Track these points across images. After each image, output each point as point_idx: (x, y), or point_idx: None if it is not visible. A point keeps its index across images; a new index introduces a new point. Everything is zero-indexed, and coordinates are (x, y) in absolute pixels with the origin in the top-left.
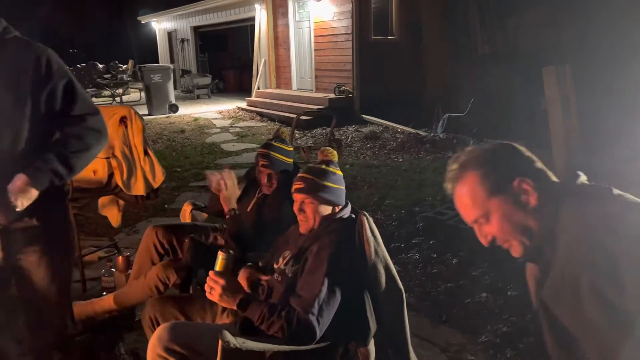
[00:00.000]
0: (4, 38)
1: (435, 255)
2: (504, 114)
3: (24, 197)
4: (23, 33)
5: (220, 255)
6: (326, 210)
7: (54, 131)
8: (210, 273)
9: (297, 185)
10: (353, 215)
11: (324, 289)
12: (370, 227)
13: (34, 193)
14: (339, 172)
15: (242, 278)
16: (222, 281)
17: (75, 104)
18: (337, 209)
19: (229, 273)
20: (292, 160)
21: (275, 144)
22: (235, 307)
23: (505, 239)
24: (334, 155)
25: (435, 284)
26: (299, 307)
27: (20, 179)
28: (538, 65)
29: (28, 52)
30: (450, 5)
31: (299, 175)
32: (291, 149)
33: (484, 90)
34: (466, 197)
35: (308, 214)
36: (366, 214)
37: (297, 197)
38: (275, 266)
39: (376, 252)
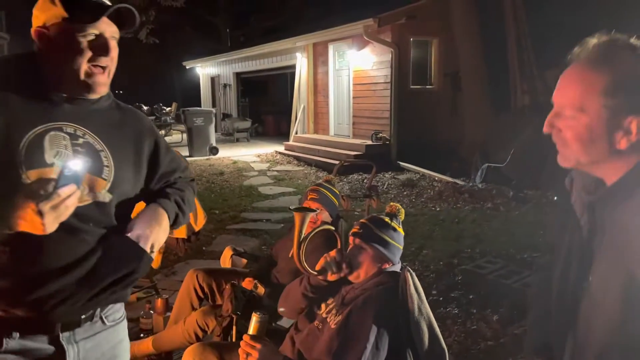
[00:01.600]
0: (118, 104)
1: (475, 311)
2: (544, 165)
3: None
4: None
5: (255, 318)
6: (377, 263)
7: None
8: (245, 337)
9: (355, 229)
10: (398, 270)
11: (369, 346)
12: (414, 283)
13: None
14: (401, 231)
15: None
16: (258, 346)
17: (174, 162)
18: (387, 265)
19: (263, 335)
20: (337, 203)
21: (325, 184)
22: None
23: (568, 142)
24: (402, 212)
25: (475, 341)
26: None
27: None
28: None
29: (141, 119)
30: (489, 56)
31: (366, 222)
32: (338, 193)
33: (523, 141)
34: (579, 84)
35: (359, 261)
36: (410, 269)
37: (358, 244)
38: (318, 312)
39: (419, 310)
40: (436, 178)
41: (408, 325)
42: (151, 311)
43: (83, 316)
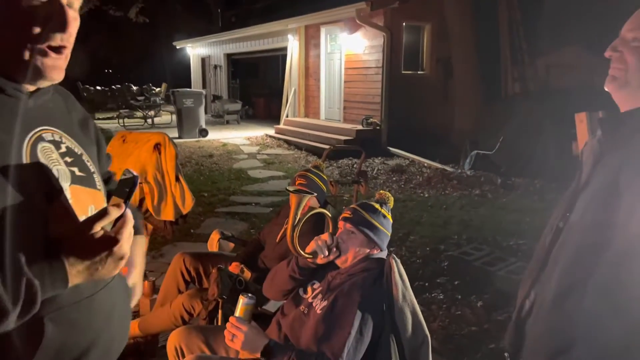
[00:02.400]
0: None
1: (460, 297)
2: (533, 153)
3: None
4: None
5: (241, 300)
6: (365, 248)
7: None
8: (232, 319)
9: (346, 214)
10: (384, 256)
11: (353, 332)
12: (398, 270)
13: None
14: (390, 218)
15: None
16: (244, 328)
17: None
18: (375, 251)
19: (250, 319)
20: (326, 188)
21: (314, 169)
22: (258, 356)
23: (627, 61)
24: (391, 200)
25: (459, 326)
26: (328, 352)
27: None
28: (569, 105)
29: (73, 99)
30: (481, 43)
31: (357, 207)
32: (326, 178)
33: (513, 128)
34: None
35: (347, 245)
36: (395, 256)
37: (348, 228)
38: (304, 296)
39: (403, 296)
40: (425, 164)
41: (392, 311)
42: None
43: None
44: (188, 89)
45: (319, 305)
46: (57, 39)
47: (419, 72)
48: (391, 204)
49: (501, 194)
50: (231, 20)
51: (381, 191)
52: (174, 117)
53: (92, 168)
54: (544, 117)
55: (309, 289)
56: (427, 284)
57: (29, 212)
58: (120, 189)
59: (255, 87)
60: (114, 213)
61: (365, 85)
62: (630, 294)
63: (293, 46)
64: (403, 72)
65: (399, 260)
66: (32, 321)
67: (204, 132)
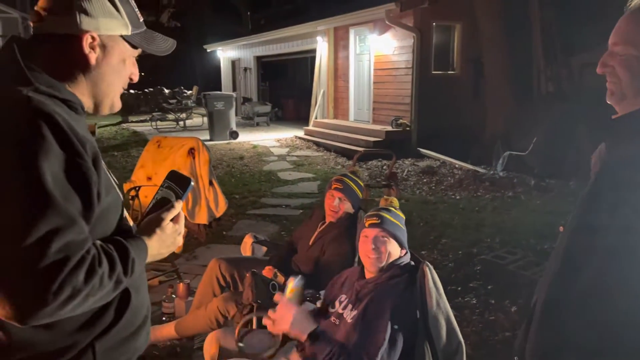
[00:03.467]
0: None
1: (493, 302)
2: (568, 154)
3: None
4: None
5: (291, 282)
6: (396, 251)
7: None
8: (281, 299)
9: (372, 220)
10: (412, 262)
11: (386, 337)
12: (432, 277)
13: None
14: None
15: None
16: (293, 309)
17: None
18: (403, 252)
19: (299, 300)
20: (362, 195)
21: (350, 174)
22: (304, 339)
23: (619, 75)
24: (396, 203)
25: (493, 332)
26: (364, 355)
27: None
28: (604, 105)
29: None
30: (513, 42)
31: (372, 212)
32: (362, 184)
33: (546, 129)
34: (632, 18)
35: (382, 251)
36: (428, 264)
37: (371, 232)
38: (331, 310)
39: (437, 304)
40: (457, 165)
41: (426, 319)
42: (173, 295)
43: None
44: (219, 92)
45: (349, 314)
46: (136, 76)
47: (449, 72)
48: (397, 205)
49: (535, 196)
50: (260, 23)
51: (385, 197)
52: (205, 119)
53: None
54: (578, 117)
55: (337, 303)
56: (459, 288)
57: (118, 204)
58: (177, 187)
59: (285, 89)
60: (178, 208)
61: (395, 86)
62: (612, 301)
63: (322, 48)
64: (433, 72)
65: (432, 268)
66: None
67: (234, 135)
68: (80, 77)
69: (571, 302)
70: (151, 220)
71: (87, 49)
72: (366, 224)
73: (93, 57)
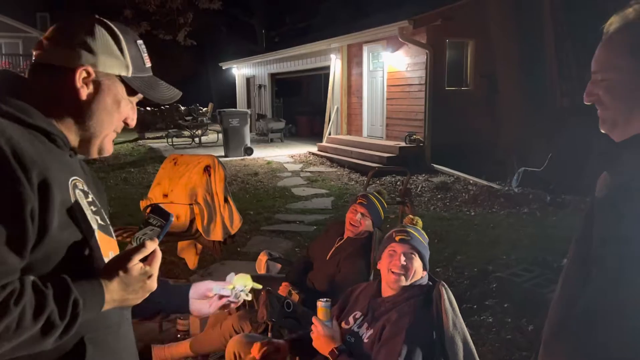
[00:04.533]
0: None
1: (509, 320)
2: (584, 169)
3: None
4: None
5: (319, 304)
6: (420, 270)
7: None
8: (313, 318)
9: (402, 235)
10: (430, 283)
11: (401, 359)
12: (448, 297)
13: None
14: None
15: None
16: (319, 326)
17: None
18: (424, 273)
19: (328, 318)
20: (383, 216)
21: (376, 194)
22: (327, 354)
23: (605, 102)
24: (420, 224)
25: (510, 351)
26: None
27: None
28: None
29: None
30: (527, 57)
31: (401, 228)
32: (386, 206)
33: (562, 144)
34: (609, 42)
35: (409, 267)
36: (444, 284)
37: (400, 248)
38: (345, 326)
39: (454, 324)
40: (471, 181)
41: (442, 339)
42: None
43: None
44: (234, 109)
45: (366, 334)
46: (132, 121)
47: (462, 88)
48: (420, 225)
49: (551, 212)
50: (275, 41)
51: (410, 217)
52: (220, 136)
53: (108, 221)
54: (593, 132)
55: (351, 319)
56: (475, 306)
57: (75, 241)
58: (154, 222)
59: (298, 105)
60: (150, 247)
61: (408, 102)
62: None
63: (335, 65)
64: (447, 88)
65: (448, 287)
66: (75, 341)
67: (249, 151)
68: (68, 111)
69: (570, 317)
70: (115, 260)
71: (79, 83)
72: (396, 239)
73: (84, 92)
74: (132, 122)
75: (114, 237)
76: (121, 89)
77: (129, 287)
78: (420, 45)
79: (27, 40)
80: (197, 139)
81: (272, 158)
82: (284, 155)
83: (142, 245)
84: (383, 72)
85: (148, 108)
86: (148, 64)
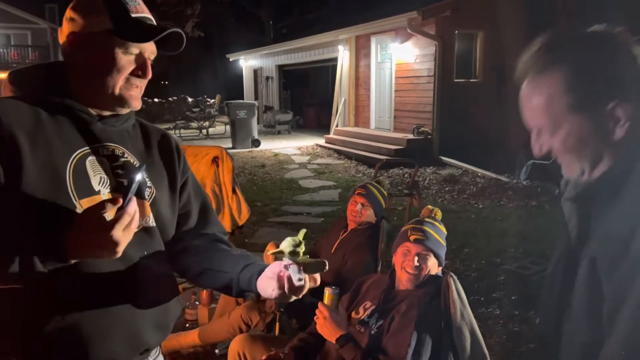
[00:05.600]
0: (142, 123)
1: (517, 313)
2: None
3: None
4: None
5: (328, 290)
6: (434, 268)
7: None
8: (320, 305)
9: (417, 235)
10: (440, 274)
11: (410, 351)
12: (457, 288)
13: None
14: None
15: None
16: (326, 312)
17: (207, 208)
18: (439, 270)
19: (334, 307)
20: (385, 205)
21: (374, 183)
22: (334, 340)
23: (563, 157)
24: (439, 215)
25: (517, 343)
26: None
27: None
28: None
29: (168, 141)
30: None
31: (416, 226)
32: (386, 194)
33: None
34: (539, 99)
35: (423, 268)
36: (452, 275)
37: (415, 248)
38: (355, 316)
39: (462, 315)
40: (479, 174)
41: (450, 330)
42: (196, 302)
43: (136, 358)
44: (241, 101)
45: (375, 324)
46: (138, 82)
47: (471, 80)
48: (439, 217)
49: (559, 205)
50: (282, 32)
51: (429, 206)
52: (228, 127)
53: (149, 183)
54: None
55: (361, 310)
56: (482, 299)
57: (49, 198)
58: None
59: (306, 97)
60: (120, 201)
61: (417, 94)
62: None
63: (343, 56)
64: (455, 80)
65: (456, 278)
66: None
67: (256, 143)
68: (78, 80)
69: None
70: (89, 208)
71: (70, 51)
72: (411, 238)
73: (78, 57)
74: (144, 73)
75: (147, 199)
76: (110, 43)
77: (90, 235)
78: (429, 36)
79: (36, 31)
80: (204, 131)
81: (280, 150)
82: (291, 147)
83: (114, 199)
84: (391, 63)
85: (156, 99)
86: (136, 13)
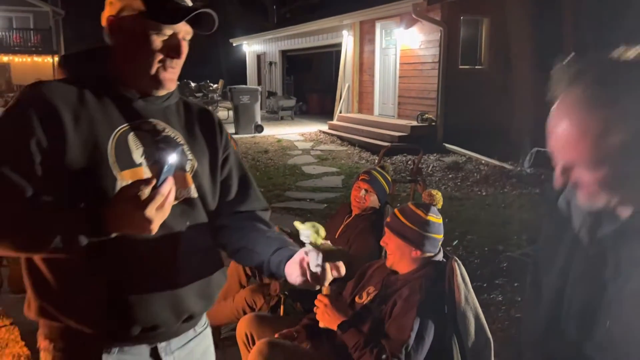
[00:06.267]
0: (185, 102)
1: (519, 299)
2: None
3: None
4: None
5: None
6: (414, 254)
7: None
8: (318, 296)
9: (389, 220)
10: (444, 259)
11: (413, 335)
12: (461, 273)
13: None
14: (438, 220)
15: None
16: (326, 300)
17: (248, 185)
18: (426, 254)
19: (333, 295)
20: (389, 191)
21: (378, 168)
22: (335, 327)
23: (596, 192)
24: (438, 200)
25: (519, 329)
26: (388, 349)
27: None
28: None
29: (213, 119)
30: (543, 36)
31: (395, 211)
32: (390, 180)
33: None
34: (581, 131)
35: (390, 248)
36: (457, 259)
37: (385, 231)
38: (358, 301)
39: (466, 300)
40: (483, 161)
41: (454, 314)
42: None
43: (180, 325)
44: (244, 86)
45: (378, 310)
46: (172, 63)
47: (476, 67)
48: (439, 204)
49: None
50: (286, 17)
51: (429, 190)
52: (231, 113)
53: (189, 155)
54: None
55: (364, 294)
56: (485, 285)
57: (90, 173)
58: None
59: (309, 83)
60: (154, 182)
61: (421, 80)
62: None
63: (347, 42)
64: (460, 66)
65: (461, 263)
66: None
67: (259, 128)
68: (118, 61)
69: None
70: (126, 186)
71: (109, 33)
72: (385, 221)
73: (115, 40)
74: (177, 54)
75: (188, 170)
76: (144, 25)
77: (125, 213)
78: (434, 22)
79: (38, 14)
80: None
81: (283, 136)
82: (295, 133)
83: (149, 179)
84: (396, 49)
85: None
86: None
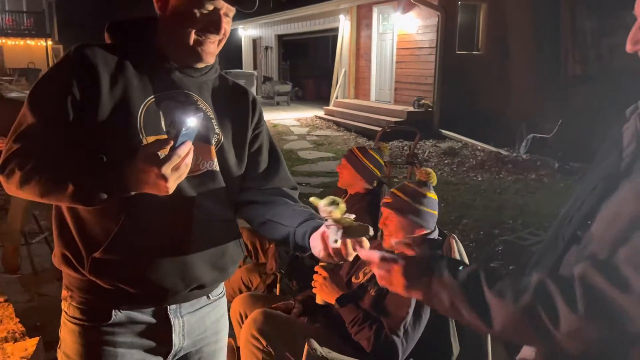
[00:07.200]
0: (225, 78)
1: None
2: (593, 138)
3: None
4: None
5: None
6: (410, 231)
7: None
8: (316, 267)
9: (386, 199)
10: (440, 238)
11: (410, 311)
12: (459, 250)
13: None
14: (434, 197)
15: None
16: (324, 273)
17: (278, 165)
18: (423, 232)
19: (333, 268)
20: (378, 171)
21: (363, 149)
22: (333, 301)
23: None
24: (433, 178)
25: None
26: (386, 326)
27: None
28: (634, 89)
29: (245, 95)
30: (540, 22)
31: (392, 190)
32: (382, 162)
33: (572, 111)
34: None
35: (391, 229)
36: (455, 237)
37: (384, 212)
38: (355, 281)
39: None
40: (479, 147)
41: None
42: None
43: (189, 292)
44: (240, 71)
45: (374, 288)
46: (210, 37)
47: (473, 53)
48: (434, 181)
49: (558, 179)
50: (282, 1)
51: (422, 169)
52: None
53: (217, 130)
54: (606, 100)
55: (361, 274)
56: None
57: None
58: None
59: (305, 68)
60: (171, 142)
61: (418, 65)
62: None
63: (344, 26)
64: (457, 52)
65: (458, 240)
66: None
67: None
68: (161, 32)
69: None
70: (146, 145)
71: (157, 5)
72: (382, 201)
73: (162, 12)
74: (215, 29)
75: (213, 144)
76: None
77: (143, 170)
78: (431, 6)
79: None
80: None
81: (279, 121)
82: (290, 118)
83: (167, 140)
84: (393, 34)
85: None
86: None
